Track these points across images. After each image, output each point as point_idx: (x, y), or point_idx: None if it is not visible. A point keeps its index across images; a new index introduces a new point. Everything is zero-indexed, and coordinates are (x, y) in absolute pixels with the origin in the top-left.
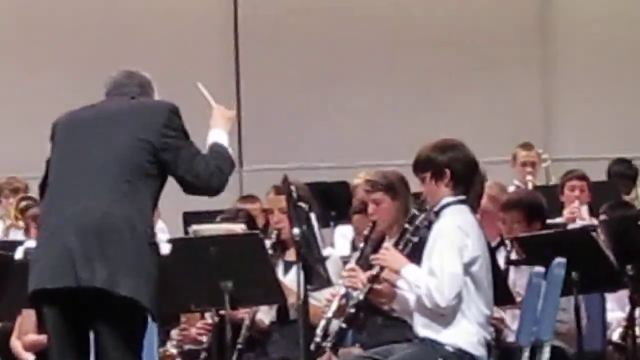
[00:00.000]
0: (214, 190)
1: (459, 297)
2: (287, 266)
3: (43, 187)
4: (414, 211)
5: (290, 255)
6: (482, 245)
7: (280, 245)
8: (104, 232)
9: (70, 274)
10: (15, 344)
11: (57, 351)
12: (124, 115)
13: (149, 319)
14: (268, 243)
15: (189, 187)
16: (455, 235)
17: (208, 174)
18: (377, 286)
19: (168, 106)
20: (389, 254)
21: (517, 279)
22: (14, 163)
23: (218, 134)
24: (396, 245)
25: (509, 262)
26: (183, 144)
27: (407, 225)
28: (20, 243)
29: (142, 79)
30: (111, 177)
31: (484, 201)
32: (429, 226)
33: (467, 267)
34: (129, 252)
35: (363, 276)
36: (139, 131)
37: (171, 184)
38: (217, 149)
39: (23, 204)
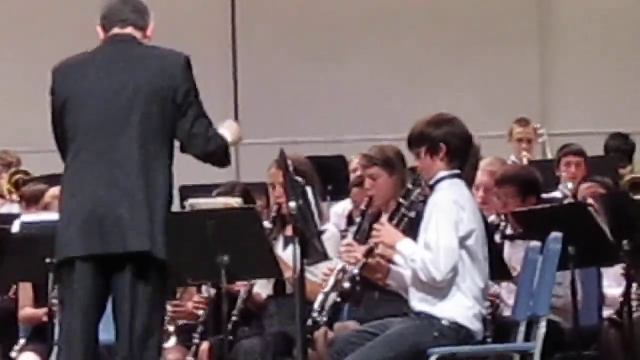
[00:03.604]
0: (208, 153)
1: (454, 270)
2: (288, 241)
3: (61, 144)
4: (409, 186)
5: (291, 230)
6: (478, 219)
7: (281, 220)
8: (138, 196)
9: (116, 240)
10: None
11: (83, 309)
12: (142, 70)
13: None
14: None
15: (185, 145)
16: (451, 209)
17: (207, 138)
18: (371, 261)
19: (184, 59)
20: (384, 230)
21: (513, 254)
22: (5, 137)
23: (224, 131)
24: (391, 220)
25: (504, 237)
26: (195, 100)
27: (402, 200)
28: (17, 217)
29: (138, 5)
30: (143, 137)
31: (486, 178)
32: (424, 201)
33: (462, 241)
34: (162, 216)
35: (360, 251)
36: (161, 87)
37: None
38: (221, 135)
39: (16, 177)
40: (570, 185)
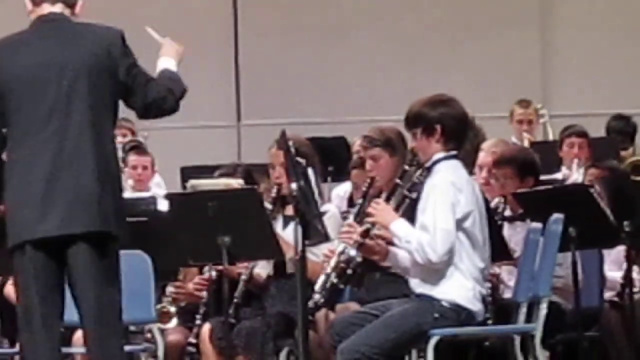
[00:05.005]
0: (166, 113)
1: (450, 252)
2: (287, 220)
3: None
4: (405, 167)
5: (290, 210)
6: (476, 200)
7: (281, 200)
8: (88, 177)
9: (69, 221)
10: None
11: (39, 294)
12: (79, 49)
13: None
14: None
15: (142, 113)
16: (448, 191)
17: (160, 98)
18: (368, 242)
19: (118, 33)
20: (379, 209)
21: (511, 235)
22: None
23: (167, 61)
24: (387, 200)
25: (503, 218)
26: (137, 70)
27: (398, 181)
28: None
29: None
30: (88, 118)
31: (490, 159)
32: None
33: (460, 223)
34: (115, 195)
35: (358, 231)
36: (100, 65)
37: (171, 139)
38: (167, 73)
39: None
40: (578, 164)
